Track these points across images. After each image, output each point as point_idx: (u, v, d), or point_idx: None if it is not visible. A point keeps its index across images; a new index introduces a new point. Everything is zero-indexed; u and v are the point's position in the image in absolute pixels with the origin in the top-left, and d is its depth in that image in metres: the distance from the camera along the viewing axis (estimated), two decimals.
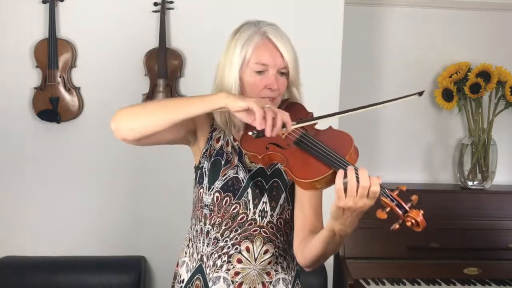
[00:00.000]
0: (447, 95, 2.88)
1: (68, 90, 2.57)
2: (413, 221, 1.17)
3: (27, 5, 2.54)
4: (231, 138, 1.55)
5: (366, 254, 2.65)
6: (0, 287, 2.48)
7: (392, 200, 1.18)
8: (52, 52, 2.52)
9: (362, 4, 2.91)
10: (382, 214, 1.16)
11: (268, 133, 1.28)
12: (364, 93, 2.98)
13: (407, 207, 1.18)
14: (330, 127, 1.42)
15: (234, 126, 1.52)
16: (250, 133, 1.33)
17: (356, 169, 1.19)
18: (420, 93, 1.42)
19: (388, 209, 1.18)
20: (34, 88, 2.56)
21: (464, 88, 2.83)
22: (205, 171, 1.54)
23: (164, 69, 2.56)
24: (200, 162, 1.56)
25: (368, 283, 2.53)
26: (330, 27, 2.61)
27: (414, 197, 1.19)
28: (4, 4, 2.54)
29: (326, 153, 1.27)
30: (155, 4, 2.56)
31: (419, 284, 2.55)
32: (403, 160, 3.04)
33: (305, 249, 1.41)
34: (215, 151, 1.54)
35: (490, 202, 2.77)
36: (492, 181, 2.92)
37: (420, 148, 3.07)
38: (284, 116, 1.31)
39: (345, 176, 1.18)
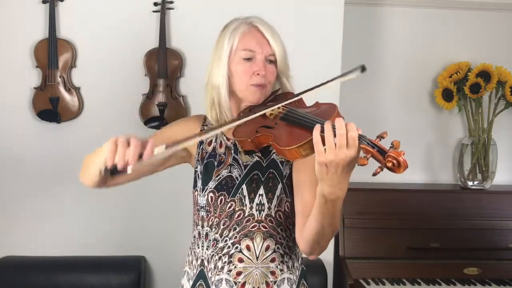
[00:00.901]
0: (447, 95, 2.88)
1: (68, 90, 2.57)
2: (394, 161, 1.11)
3: (27, 5, 2.54)
4: (224, 138, 1.55)
5: (366, 254, 2.65)
6: (0, 287, 2.48)
7: (373, 146, 1.14)
8: (52, 52, 2.52)
9: (362, 4, 2.91)
10: (363, 161, 1.13)
11: (119, 166, 1.26)
12: (364, 93, 2.98)
13: (387, 150, 1.13)
14: (317, 101, 1.43)
15: (225, 121, 1.52)
16: (97, 172, 1.34)
17: (333, 125, 1.15)
18: (362, 69, 1.32)
19: (369, 155, 1.14)
20: (34, 88, 2.56)
21: (464, 88, 2.83)
22: (198, 174, 1.54)
23: (164, 69, 2.56)
24: (195, 167, 1.57)
25: (368, 283, 2.53)
26: (330, 27, 2.61)
27: (396, 142, 1.13)
28: (4, 4, 2.54)
29: (309, 119, 1.28)
30: (155, 4, 2.56)
31: (419, 284, 2.55)
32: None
33: (304, 231, 1.38)
34: (207, 153, 1.55)
35: (490, 202, 2.77)
36: (492, 181, 2.92)
37: (420, 148, 3.07)
38: (144, 144, 1.28)
39: (322, 130, 1.16)
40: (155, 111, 2.59)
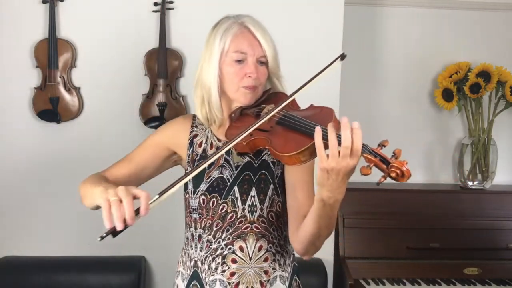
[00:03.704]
0: (447, 95, 2.88)
1: (68, 90, 2.57)
2: (398, 171, 1.13)
3: (27, 5, 2.54)
4: (215, 139, 1.55)
5: (366, 254, 2.65)
6: (0, 287, 2.48)
7: (376, 156, 1.16)
8: (52, 52, 2.52)
9: (362, 4, 2.91)
10: (366, 171, 1.13)
11: (118, 227, 1.18)
12: (364, 93, 2.98)
13: (390, 160, 1.15)
14: (312, 104, 1.43)
15: (214, 121, 1.53)
16: (98, 238, 1.22)
17: (338, 134, 1.16)
18: (342, 57, 1.44)
19: (372, 164, 1.15)
20: (34, 88, 2.56)
21: (464, 88, 2.83)
22: None
23: (164, 69, 2.56)
24: (186, 169, 1.57)
25: (368, 283, 2.53)
26: (330, 27, 2.61)
27: (397, 150, 1.16)
28: (4, 4, 2.54)
29: (307, 124, 1.26)
30: (155, 4, 2.56)
31: (419, 284, 2.55)
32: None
33: (299, 232, 1.39)
34: (198, 155, 1.54)
35: (490, 202, 2.77)
36: (492, 181, 2.92)
37: (420, 148, 3.07)
38: (139, 198, 1.21)
39: (324, 137, 1.16)
40: (155, 111, 2.59)
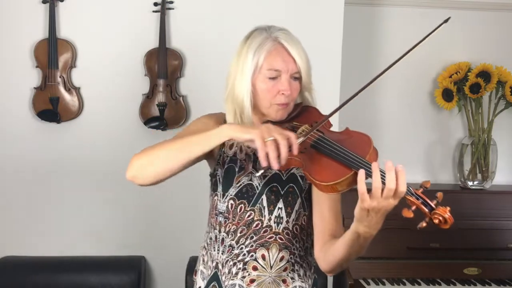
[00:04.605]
0: (447, 95, 2.88)
1: (68, 90, 2.57)
2: (441, 218, 1.15)
3: (27, 5, 2.54)
4: (244, 144, 1.52)
5: (366, 254, 2.60)
6: (0, 287, 2.48)
7: (418, 198, 1.16)
8: (52, 52, 2.52)
9: (362, 4, 2.91)
10: (408, 213, 1.14)
11: (275, 167, 1.25)
12: (364, 93, 2.97)
13: (433, 205, 1.16)
14: (347, 128, 1.41)
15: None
16: (257, 174, 1.34)
17: (382, 171, 1.16)
18: (446, 20, 1.46)
19: (414, 207, 1.16)
20: (34, 88, 2.56)
21: (464, 88, 2.83)
22: (219, 178, 1.53)
23: (164, 69, 2.56)
24: (215, 169, 1.55)
25: (368, 283, 2.53)
26: (330, 27, 2.61)
27: (439, 194, 1.17)
28: (4, 4, 2.54)
29: (345, 154, 1.24)
30: (155, 4, 2.56)
31: (419, 284, 2.55)
32: (403, 160, 3.03)
33: (327, 253, 1.40)
34: (229, 158, 1.53)
35: (490, 202, 2.77)
36: (492, 181, 2.91)
37: (420, 148, 3.07)
38: (289, 139, 1.27)
39: (367, 176, 1.16)
40: (155, 111, 2.59)
